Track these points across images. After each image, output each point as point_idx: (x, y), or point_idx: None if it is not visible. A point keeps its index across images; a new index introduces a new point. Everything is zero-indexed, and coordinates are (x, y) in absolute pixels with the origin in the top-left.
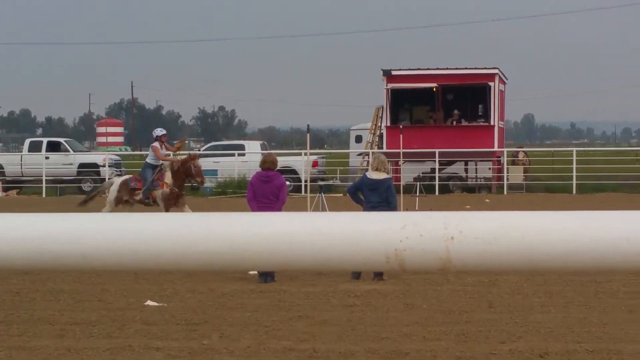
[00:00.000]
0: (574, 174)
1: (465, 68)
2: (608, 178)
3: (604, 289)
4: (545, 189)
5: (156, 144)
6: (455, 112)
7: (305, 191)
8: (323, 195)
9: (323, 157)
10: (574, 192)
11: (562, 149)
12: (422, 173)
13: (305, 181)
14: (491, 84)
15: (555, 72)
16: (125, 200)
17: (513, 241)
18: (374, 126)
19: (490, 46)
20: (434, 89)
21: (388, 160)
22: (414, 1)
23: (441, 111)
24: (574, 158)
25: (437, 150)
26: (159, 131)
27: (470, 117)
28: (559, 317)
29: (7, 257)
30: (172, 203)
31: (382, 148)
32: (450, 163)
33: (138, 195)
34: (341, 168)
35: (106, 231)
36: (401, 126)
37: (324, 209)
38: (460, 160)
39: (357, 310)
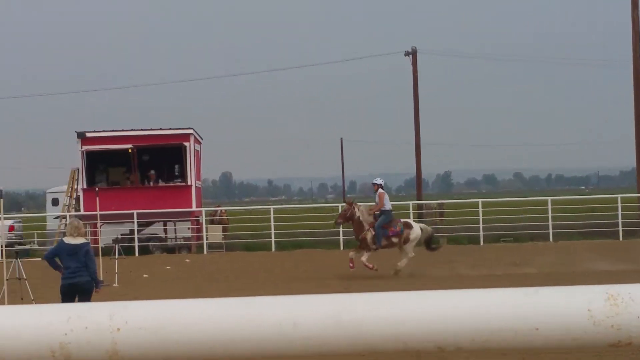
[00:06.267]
0: (272, 231)
1: (160, 129)
2: (306, 234)
3: None
4: (245, 247)
5: None
6: (152, 172)
7: (1, 257)
8: (19, 260)
9: (19, 221)
10: (273, 249)
11: (260, 206)
12: (121, 235)
13: (1, 246)
14: (186, 144)
15: (250, 130)
16: None
17: (178, 330)
18: (70, 189)
19: (185, 106)
20: (130, 150)
21: (86, 223)
22: (107, 64)
23: (137, 172)
24: (272, 215)
25: (135, 212)
26: None
27: (167, 178)
28: None
29: None
30: None
31: (79, 211)
32: (149, 224)
33: None
34: (39, 232)
35: None
36: (97, 188)
37: (20, 275)
38: (159, 221)
39: None
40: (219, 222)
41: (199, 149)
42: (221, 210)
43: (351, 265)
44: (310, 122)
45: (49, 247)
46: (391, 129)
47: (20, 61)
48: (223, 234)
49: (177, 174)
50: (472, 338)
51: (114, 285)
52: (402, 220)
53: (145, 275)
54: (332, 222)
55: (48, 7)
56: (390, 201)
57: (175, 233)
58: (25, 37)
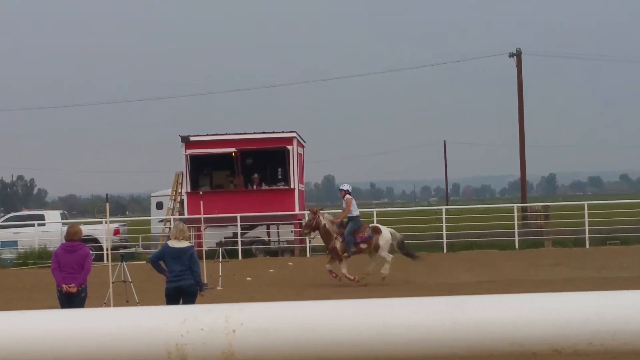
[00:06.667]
0: None
1: (264, 132)
2: (408, 237)
3: None
4: None
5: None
6: (255, 176)
7: (107, 260)
8: (125, 263)
9: (124, 225)
10: None
11: (363, 209)
12: (225, 238)
13: (107, 249)
14: (289, 147)
15: (354, 133)
16: None
17: (294, 332)
18: (174, 192)
19: (289, 109)
20: (233, 154)
21: (190, 226)
22: (209, 67)
23: (241, 176)
24: (375, 218)
25: (238, 215)
26: None
27: (270, 181)
28: None
29: None
30: None
31: (183, 214)
32: (252, 227)
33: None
34: (143, 235)
35: None
36: (201, 192)
37: (126, 278)
38: (262, 224)
39: None
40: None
41: (302, 152)
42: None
43: (333, 275)
44: (414, 125)
45: (153, 251)
46: (495, 131)
47: (125, 66)
48: None
49: (280, 177)
50: (590, 341)
51: (218, 288)
52: (370, 225)
53: (248, 278)
54: (430, 224)
55: (149, 11)
56: (495, 204)
57: (279, 236)
58: (130, 41)
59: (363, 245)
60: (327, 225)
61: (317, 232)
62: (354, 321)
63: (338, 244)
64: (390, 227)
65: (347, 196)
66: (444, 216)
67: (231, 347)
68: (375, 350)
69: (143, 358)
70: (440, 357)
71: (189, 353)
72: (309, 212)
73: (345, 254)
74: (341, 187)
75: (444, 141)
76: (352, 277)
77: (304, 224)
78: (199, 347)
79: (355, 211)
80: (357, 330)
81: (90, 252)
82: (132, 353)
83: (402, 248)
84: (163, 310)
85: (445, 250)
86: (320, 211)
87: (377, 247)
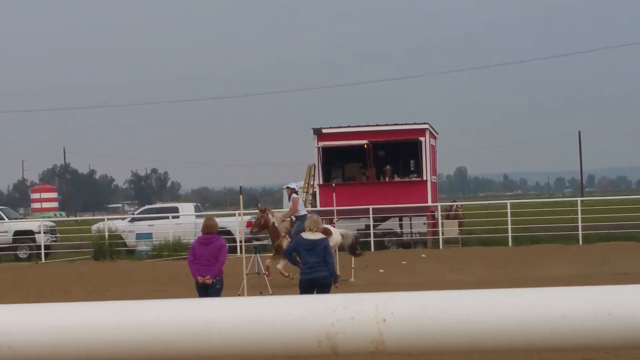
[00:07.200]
0: (509, 226)
1: (396, 124)
2: (543, 229)
3: None
4: (481, 242)
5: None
6: (388, 167)
7: (241, 252)
8: (258, 255)
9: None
10: (510, 244)
11: (496, 201)
12: (357, 230)
13: (240, 242)
14: (422, 139)
15: (487, 124)
16: None
17: (445, 321)
18: (306, 184)
19: (421, 100)
20: (365, 146)
21: (322, 219)
22: (339, 60)
23: (373, 167)
24: (508, 210)
25: (370, 207)
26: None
27: (402, 173)
28: None
29: None
30: None
31: (315, 206)
32: (384, 219)
33: None
34: None
35: None
36: (334, 184)
37: (259, 270)
38: (394, 216)
39: None
40: (455, 217)
41: (434, 144)
42: (457, 205)
43: (266, 273)
44: (548, 115)
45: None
46: (632, 121)
47: (255, 60)
48: (459, 229)
49: (412, 169)
50: None
51: (351, 280)
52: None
53: (381, 270)
54: (565, 216)
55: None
56: (631, 195)
57: (411, 228)
58: (260, 36)
59: None
60: (275, 224)
61: (266, 230)
62: (506, 310)
63: (285, 243)
64: (342, 229)
65: (294, 195)
66: (579, 208)
67: (381, 336)
68: (527, 340)
69: (294, 346)
70: (594, 348)
71: (339, 342)
72: (258, 210)
73: None
74: (288, 186)
75: (579, 131)
76: (286, 274)
77: (253, 222)
78: (349, 336)
79: (303, 210)
80: (509, 319)
81: (226, 244)
82: (283, 341)
83: (352, 247)
84: (313, 299)
85: (580, 242)
86: (270, 210)
87: None
